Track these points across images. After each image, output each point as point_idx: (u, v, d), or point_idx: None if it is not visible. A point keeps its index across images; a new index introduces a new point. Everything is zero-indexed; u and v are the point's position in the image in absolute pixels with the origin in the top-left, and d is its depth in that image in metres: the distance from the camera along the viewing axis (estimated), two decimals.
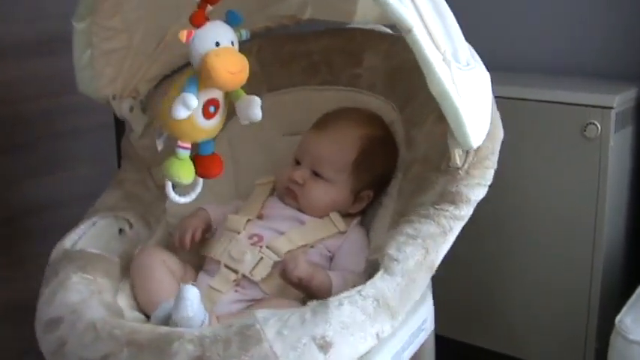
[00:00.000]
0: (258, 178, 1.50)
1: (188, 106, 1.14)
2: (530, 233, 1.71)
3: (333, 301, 1.06)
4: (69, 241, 1.36)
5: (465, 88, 1.13)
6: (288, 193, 1.41)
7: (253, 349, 1.00)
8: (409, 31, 1.06)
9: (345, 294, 1.08)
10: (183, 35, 1.14)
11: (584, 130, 1.60)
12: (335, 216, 1.39)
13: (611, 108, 1.59)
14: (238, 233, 1.37)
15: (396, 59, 1.48)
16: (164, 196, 1.48)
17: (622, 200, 1.72)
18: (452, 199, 1.21)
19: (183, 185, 1.23)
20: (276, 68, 1.60)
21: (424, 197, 1.24)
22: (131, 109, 1.53)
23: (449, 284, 1.71)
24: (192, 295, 1.16)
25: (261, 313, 1.05)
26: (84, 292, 1.20)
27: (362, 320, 1.06)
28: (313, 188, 1.39)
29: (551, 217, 1.68)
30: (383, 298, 1.08)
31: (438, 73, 1.08)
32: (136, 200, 1.48)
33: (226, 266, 1.33)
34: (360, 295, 1.08)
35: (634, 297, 1.38)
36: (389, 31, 1.56)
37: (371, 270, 1.18)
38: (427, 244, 1.17)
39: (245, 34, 1.22)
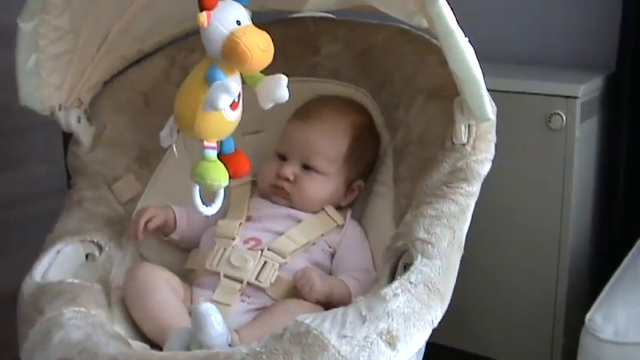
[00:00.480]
0: (233, 180, 1.39)
1: (231, 93, 1.03)
2: (493, 228, 1.65)
3: (387, 292, 1.00)
4: (37, 273, 1.20)
5: (475, 59, 1.11)
6: (276, 192, 1.33)
7: (320, 357, 0.92)
8: (435, 0, 1.01)
9: (396, 284, 1.02)
10: (203, 18, 1.03)
11: (549, 121, 1.56)
12: (331, 210, 1.33)
13: (576, 98, 1.55)
14: (233, 239, 1.27)
15: (361, 44, 1.43)
16: (129, 213, 1.37)
17: (588, 192, 1.70)
18: (463, 175, 1.18)
19: (218, 189, 1.12)
20: None
21: (433, 177, 1.20)
22: (79, 120, 1.39)
23: None
24: (213, 311, 1.06)
25: (307, 319, 0.97)
26: (85, 328, 1.06)
27: (419, 308, 1.01)
28: (307, 183, 1.31)
29: (515, 212, 1.64)
30: (432, 284, 1.04)
31: (462, 44, 1.05)
32: (101, 221, 1.33)
33: (227, 276, 1.23)
34: (411, 283, 1.02)
35: (603, 294, 1.33)
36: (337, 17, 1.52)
37: (394, 259, 1.13)
38: (452, 223, 1.13)
39: (249, 12, 1.12)
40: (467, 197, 1.17)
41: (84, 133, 1.40)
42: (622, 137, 1.70)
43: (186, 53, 1.50)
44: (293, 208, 1.32)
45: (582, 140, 1.58)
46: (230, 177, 1.13)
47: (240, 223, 1.30)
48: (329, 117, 1.35)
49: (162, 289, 1.19)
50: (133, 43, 1.45)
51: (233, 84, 1.05)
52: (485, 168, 1.20)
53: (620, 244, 1.66)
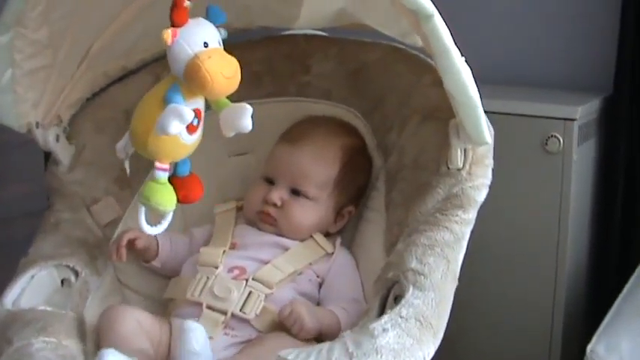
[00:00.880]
0: (216, 207, 1.34)
1: (184, 120, 0.98)
2: (488, 253, 1.59)
3: (375, 327, 0.94)
4: (9, 299, 1.14)
5: (472, 80, 1.05)
6: (263, 218, 1.26)
7: None
8: (430, 16, 0.96)
9: (385, 318, 0.96)
10: (168, 35, 0.98)
11: (546, 144, 1.51)
12: (319, 237, 1.26)
13: (574, 120, 1.51)
14: (216, 268, 1.20)
15: (354, 62, 1.38)
16: (108, 237, 1.31)
17: (585, 217, 1.65)
18: (459, 202, 1.12)
19: (165, 213, 1.06)
20: None
21: (427, 204, 1.14)
22: (57, 139, 1.32)
23: None
24: (196, 327, 1.03)
25: (290, 354, 0.91)
26: None
27: (410, 344, 0.94)
28: (295, 209, 1.25)
29: (511, 237, 1.59)
30: (424, 318, 0.98)
31: (458, 63, 0.99)
32: (78, 245, 1.27)
33: (210, 307, 1.16)
34: (401, 317, 0.96)
35: (605, 323, 1.27)
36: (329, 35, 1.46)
37: (384, 291, 1.06)
38: (446, 252, 1.07)
39: (224, 33, 1.08)
40: (462, 225, 1.11)
41: (63, 152, 1.33)
42: (619, 160, 1.66)
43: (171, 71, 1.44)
44: (280, 235, 1.26)
45: (579, 163, 1.54)
46: (179, 201, 1.08)
47: (224, 251, 1.23)
48: (319, 139, 1.29)
49: (133, 336, 1.12)
50: (116, 59, 1.40)
51: (187, 110, 1.00)
52: (481, 194, 1.15)
53: (619, 270, 1.65)
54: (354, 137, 1.32)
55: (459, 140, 1.11)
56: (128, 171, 1.10)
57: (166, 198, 1.05)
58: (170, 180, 1.08)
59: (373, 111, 1.34)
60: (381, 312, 1.05)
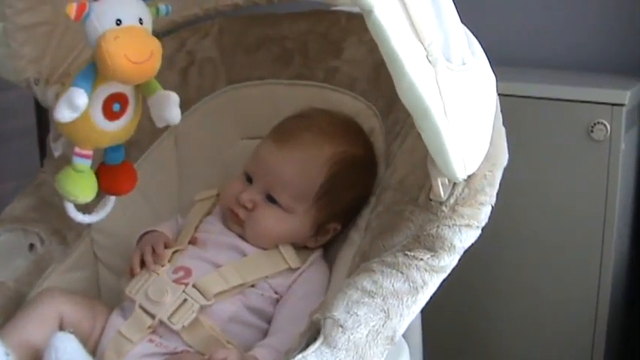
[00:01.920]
0: (200, 193, 1.21)
1: (74, 106, 0.87)
2: (530, 245, 1.48)
3: None
4: None
5: (454, 96, 0.83)
6: (232, 217, 1.12)
7: None
8: (369, 12, 0.75)
9: None
10: (71, 10, 0.86)
11: (591, 131, 1.38)
12: (286, 249, 1.10)
13: (623, 105, 1.36)
14: (162, 266, 1.08)
15: None
16: (89, 206, 1.22)
17: (629, 209, 1.50)
18: (430, 244, 0.91)
19: (74, 203, 0.95)
20: (240, 56, 1.30)
21: (394, 238, 0.94)
22: (58, 97, 1.25)
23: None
24: (61, 341, 0.93)
25: None
26: None
27: None
28: (264, 216, 1.09)
29: (554, 229, 1.45)
30: None
31: (409, 73, 0.77)
32: (50, 210, 1.20)
33: (142, 307, 1.05)
34: None
35: None
36: None
37: (313, 331, 0.88)
38: (389, 304, 0.87)
39: (165, 9, 0.94)
40: (426, 273, 0.90)
41: None
42: None
43: (197, 38, 1.32)
44: (243, 239, 1.11)
45: (627, 152, 1.39)
46: (103, 191, 0.98)
47: (177, 251, 1.11)
48: (307, 145, 1.11)
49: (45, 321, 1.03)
50: None
51: (78, 95, 0.87)
52: (463, 239, 0.92)
53: None
54: (354, 146, 1.12)
55: (437, 169, 0.89)
56: (56, 153, 1.00)
57: (80, 188, 0.95)
58: (97, 167, 0.97)
59: (389, 112, 1.14)
60: None
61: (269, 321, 1.07)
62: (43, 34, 1.18)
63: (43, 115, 1.33)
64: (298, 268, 1.08)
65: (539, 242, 1.46)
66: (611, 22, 1.57)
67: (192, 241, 1.12)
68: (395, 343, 0.87)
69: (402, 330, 0.88)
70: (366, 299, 0.87)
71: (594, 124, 1.37)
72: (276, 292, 1.07)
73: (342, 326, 0.84)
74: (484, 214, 0.93)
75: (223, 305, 1.04)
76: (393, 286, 0.88)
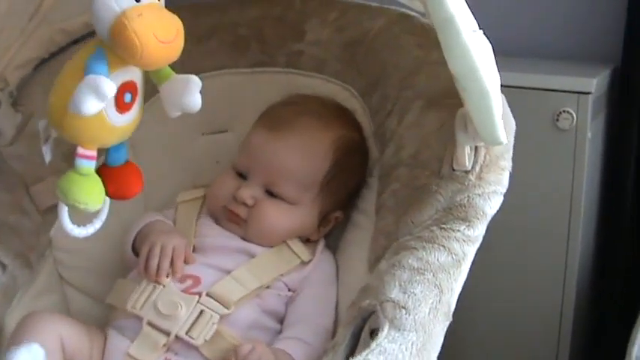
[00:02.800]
0: (180, 194, 1.12)
1: (101, 95, 0.77)
2: (494, 236, 1.39)
3: None
4: None
5: (487, 61, 0.81)
6: (230, 217, 1.04)
7: None
8: None
9: None
10: None
11: (557, 120, 1.34)
12: (295, 243, 1.04)
13: (589, 93, 1.32)
14: (166, 276, 0.99)
15: (354, 30, 1.14)
16: (49, 223, 1.11)
17: (595, 198, 1.49)
18: (463, 214, 0.89)
19: (88, 212, 0.85)
20: (192, 46, 1.18)
21: (423, 213, 0.91)
22: None
23: None
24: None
25: None
26: None
27: None
28: (267, 211, 1.02)
29: (519, 219, 1.40)
30: None
31: (465, 37, 0.75)
32: (9, 231, 1.08)
33: (151, 324, 0.95)
34: None
35: None
36: None
37: (359, 321, 0.84)
38: (440, 279, 0.85)
39: None
40: (465, 244, 0.88)
41: (4, 120, 1.14)
42: (632, 137, 1.49)
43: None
44: (246, 239, 1.03)
45: (592, 141, 1.37)
46: (109, 197, 0.87)
47: None
48: (307, 129, 1.05)
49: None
50: (77, 14, 1.18)
51: (107, 83, 0.78)
52: (493, 205, 0.91)
53: (631, 254, 1.54)
54: (351, 129, 1.08)
55: (467, 136, 0.88)
56: (47, 158, 0.89)
57: (89, 193, 0.84)
58: (99, 170, 0.87)
59: (372, 90, 1.10)
60: (353, 348, 0.83)
61: (281, 321, 1.01)
62: None
63: None
64: (310, 261, 1.03)
65: (503, 232, 1.40)
66: (577, 10, 1.55)
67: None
68: (450, 318, 0.85)
69: (454, 304, 0.86)
70: (418, 277, 0.84)
71: (560, 112, 1.33)
72: (289, 290, 1.01)
73: (404, 307, 0.80)
74: (506, 180, 0.93)
75: (242, 312, 0.97)
76: (438, 260, 0.86)
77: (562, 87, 1.33)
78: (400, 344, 0.78)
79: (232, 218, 1.04)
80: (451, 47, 0.76)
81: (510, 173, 1.29)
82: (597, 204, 1.50)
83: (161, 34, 0.79)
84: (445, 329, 0.84)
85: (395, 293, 0.82)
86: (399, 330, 0.79)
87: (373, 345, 0.77)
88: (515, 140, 1.25)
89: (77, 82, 0.80)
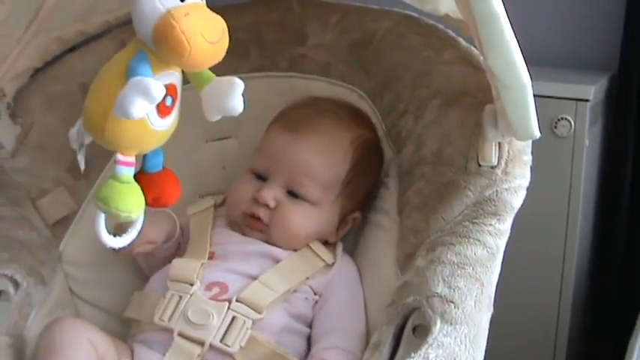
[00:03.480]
0: (190, 207, 1.10)
1: (151, 97, 0.76)
2: None
3: None
4: None
5: (522, 57, 0.83)
6: (251, 222, 1.03)
7: None
8: None
9: None
10: None
11: (555, 127, 1.36)
12: (317, 246, 1.04)
13: (587, 101, 1.35)
14: (191, 285, 0.97)
15: (359, 32, 1.15)
16: (58, 237, 1.08)
17: (591, 204, 1.52)
18: (493, 208, 0.91)
19: (126, 220, 0.83)
20: None
21: (454, 209, 0.93)
22: None
23: None
24: None
25: None
26: None
27: None
28: (292, 213, 1.02)
29: (516, 226, 1.40)
30: None
31: (508, 35, 0.77)
32: (19, 247, 1.04)
33: (183, 335, 0.93)
34: None
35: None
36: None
37: (400, 319, 0.85)
38: (479, 273, 0.86)
39: None
40: (497, 237, 0.90)
41: (4, 132, 1.11)
42: (628, 144, 1.53)
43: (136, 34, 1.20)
44: (269, 243, 1.03)
45: (590, 148, 1.40)
46: (148, 205, 0.86)
47: (203, 263, 1.00)
48: (327, 130, 1.05)
49: (83, 354, 0.89)
50: (73, 22, 1.16)
51: (156, 85, 0.77)
52: (519, 199, 0.94)
53: (626, 259, 1.56)
54: (367, 129, 1.09)
55: (497, 131, 0.90)
56: (82, 166, 0.87)
57: (131, 201, 0.82)
58: (136, 177, 0.85)
59: (382, 91, 1.11)
60: (396, 347, 0.83)
61: (309, 325, 1.00)
62: None
63: None
64: (333, 264, 1.03)
65: None
66: (575, 18, 1.57)
67: (210, 257, 1.01)
68: (492, 309, 0.86)
69: (493, 296, 0.87)
70: (459, 271, 0.85)
71: (558, 119, 1.34)
72: (315, 294, 1.01)
73: (452, 302, 0.82)
74: (529, 174, 0.96)
75: (273, 316, 0.96)
76: (475, 254, 0.88)
77: (560, 94, 1.34)
78: (455, 337, 0.79)
79: (254, 225, 1.03)
80: (495, 43, 0.77)
81: None
82: (594, 210, 1.52)
83: (208, 34, 0.78)
84: (489, 320, 0.85)
85: (440, 288, 0.83)
86: (451, 324, 0.80)
87: (430, 339, 0.78)
88: None
89: (119, 86, 0.78)
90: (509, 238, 1.37)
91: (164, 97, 0.81)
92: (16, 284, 1.01)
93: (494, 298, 0.89)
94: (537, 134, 0.86)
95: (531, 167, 1.33)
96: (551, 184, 1.37)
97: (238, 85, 0.85)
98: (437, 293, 0.82)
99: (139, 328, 0.99)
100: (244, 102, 1.16)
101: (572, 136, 1.35)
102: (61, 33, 1.16)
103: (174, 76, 0.83)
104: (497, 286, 1.42)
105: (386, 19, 1.14)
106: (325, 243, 1.06)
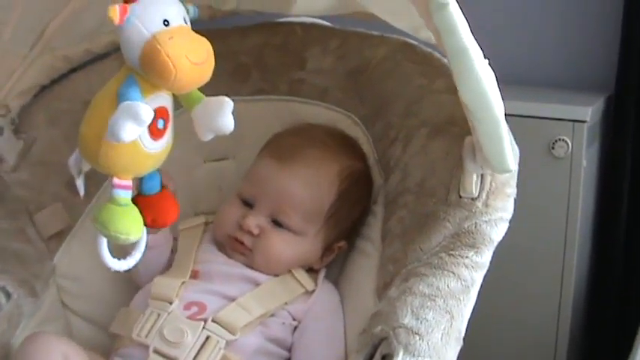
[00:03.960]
0: (181, 222, 1.12)
1: (140, 120, 0.78)
2: (489, 269, 1.41)
3: None
4: None
5: (496, 90, 0.83)
6: (234, 246, 1.05)
7: None
8: (444, 5, 0.74)
9: None
10: (115, 13, 0.77)
11: (553, 148, 1.37)
12: (299, 272, 1.05)
13: (584, 122, 1.36)
14: (170, 303, 0.99)
15: (355, 59, 1.16)
16: (52, 250, 1.11)
17: (589, 224, 1.52)
18: (471, 241, 0.91)
19: (125, 242, 0.85)
20: None
21: (432, 240, 0.92)
22: (0, 132, 1.12)
23: None
24: None
25: None
26: None
27: None
28: (273, 241, 1.03)
29: (515, 246, 1.35)
30: None
31: (477, 68, 0.77)
32: (13, 259, 1.07)
33: (157, 352, 0.95)
34: None
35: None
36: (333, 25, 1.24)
37: (370, 348, 0.85)
38: (450, 305, 0.86)
39: (193, 10, 0.87)
40: (473, 270, 0.90)
41: (6, 147, 1.14)
42: (625, 164, 1.54)
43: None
44: (251, 267, 1.04)
45: (587, 168, 1.41)
46: (147, 226, 0.88)
47: (183, 282, 1.02)
48: (314, 160, 1.06)
49: None
50: (79, 41, 1.19)
51: (144, 108, 0.78)
52: (499, 232, 0.93)
53: (624, 278, 1.57)
54: (356, 159, 1.09)
55: (475, 164, 0.89)
56: (82, 193, 0.89)
57: (129, 224, 0.84)
58: (134, 200, 0.87)
59: (375, 118, 1.12)
60: None
61: (288, 349, 1.01)
62: None
63: None
64: (314, 291, 1.03)
65: (499, 259, 1.40)
66: (573, 40, 1.58)
67: (193, 275, 1.03)
68: (461, 343, 0.86)
69: (464, 329, 0.87)
70: (429, 303, 0.85)
71: (555, 140, 1.35)
72: (294, 319, 1.02)
73: (417, 333, 0.81)
74: (511, 206, 0.95)
75: (247, 338, 0.97)
76: (448, 286, 0.87)
77: (558, 115, 1.36)
78: None
79: (237, 248, 1.04)
80: (465, 77, 0.77)
81: None
82: (592, 230, 1.53)
83: (193, 56, 0.80)
84: (457, 354, 0.84)
85: (408, 319, 0.83)
86: (414, 356, 0.80)
87: None
88: None
89: (111, 111, 0.80)
90: (509, 257, 1.38)
91: (155, 120, 0.83)
92: (8, 295, 1.04)
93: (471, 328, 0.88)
94: (512, 168, 0.86)
95: (529, 187, 1.36)
96: (549, 204, 1.39)
97: (227, 103, 0.87)
98: (403, 324, 0.82)
99: (120, 342, 1.01)
100: (239, 124, 1.21)
101: (570, 156, 1.36)
102: (67, 52, 1.19)
103: (164, 99, 0.85)
104: (495, 306, 1.44)
105: (383, 45, 1.15)
106: (310, 270, 1.07)
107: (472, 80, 0.77)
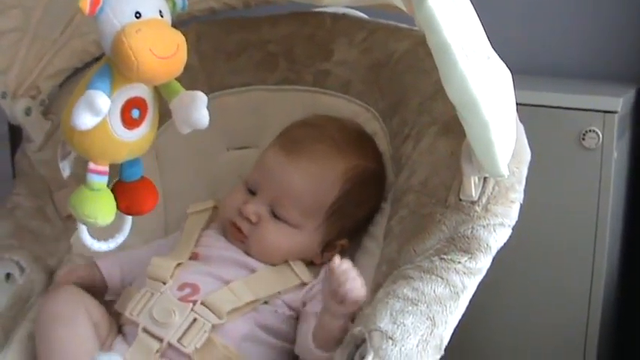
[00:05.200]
0: (191, 206, 1.13)
1: (95, 110, 0.78)
2: (520, 256, 1.38)
3: None
4: None
5: (491, 90, 0.79)
6: (233, 232, 1.05)
7: None
8: (423, 1, 0.71)
9: None
10: (85, 4, 0.78)
11: (583, 139, 1.32)
12: (297, 264, 1.03)
13: (615, 112, 1.31)
14: (164, 283, 1.00)
15: (379, 52, 1.13)
16: (70, 229, 1.13)
17: (620, 217, 1.45)
18: (465, 246, 0.87)
19: (94, 226, 0.87)
20: (221, 62, 1.23)
21: (426, 242, 0.89)
22: (28, 112, 1.17)
23: None
24: None
25: None
26: None
27: None
28: (269, 231, 1.02)
29: (544, 239, 1.38)
30: None
31: (461, 66, 0.73)
32: (30, 236, 1.11)
33: (146, 330, 0.96)
34: None
35: None
36: (365, 17, 1.22)
37: (351, 347, 0.83)
38: (434, 312, 0.83)
39: (181, 2, 0.87)
40: (465, 276, 0.86)
41: (34, 127, 1.18)
42: None
43: None
44: (248, 254, 1.04)
45: (618, 160, 1.34)
46: (122, 212, 0.89)
47: (180, 264, 1.02)
48: (320, 157, 1.04)
49: (80, 322, 0.97)
50: None
51: (100, 98, 0.79)
52: (499, 238, 0.89)
53: None
54: (366, 158, 1.06)
55: (472, 167, 0.85)
56: (65, 174, 0.91)
57: (99, 209, 0.86)
58: (114, 186, 0.89)
59: (392, 113, 1.09)
60: None
61: (284, 339, 1.00)
62: (11, 42, 1.10)
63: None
64: (309, 282, 1.02)
65: (530, 251, 1.39)
66: (603, 29, 1.54)
67: (193, 257, 1.04)
68: (442, 352, 0.82)
69: (447, 338, 0.83)
70: (410, 307, 0.82)
71: (586, 131, 1.31)
72: (290, 309, 1.01)
73: (391, 338, 0.79)
74: (515, 212, 0.91)
75: (236, 324, 0.97)
76: (434, 292, 0.84)
77: (588, 106, 1.32)
78: None
79: (235, 233, 1.04)
80: (448, 76, 0.74)
81: (536, 193, 1.27)
82: (623, 223, 1.47)
83: (159, 50, 0.80)
84: None
85: (384, 323, 0.80)
86: None
87: None
88: (540, 159, 1.20)
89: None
90: (537, 251, 1.37)
91: (130, 110, 0.84)
92: (22, 269, 1.07)
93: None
94: (504, 173, 0.82)
95: (559, 179, 1.33)
96: (579, 196, 1.34)
97: (200, 99, 0.86)
98: (379, 327, 0.80)
99: (121, 320, 1.03)
100: (264, 113, 1.21)
101: (601, 148, 1.31)
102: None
103: (142, 90, 0.85)
104: (524, 301, 1.40)
105: (407, 39, 1.12)
106: (312, 264, 1.05)
107: (456, 78, 0.74)
